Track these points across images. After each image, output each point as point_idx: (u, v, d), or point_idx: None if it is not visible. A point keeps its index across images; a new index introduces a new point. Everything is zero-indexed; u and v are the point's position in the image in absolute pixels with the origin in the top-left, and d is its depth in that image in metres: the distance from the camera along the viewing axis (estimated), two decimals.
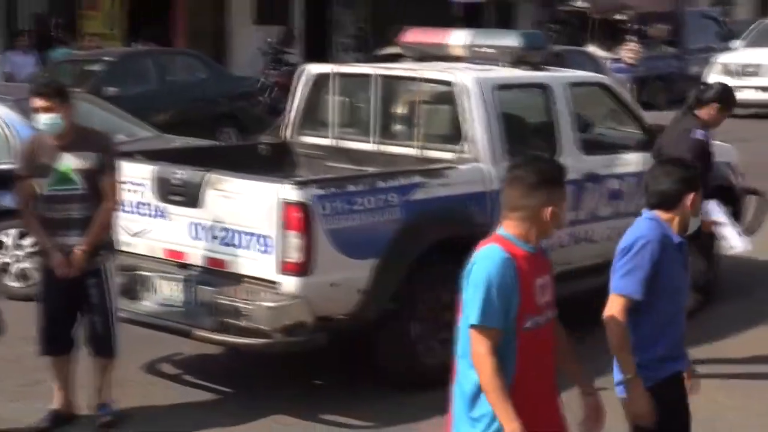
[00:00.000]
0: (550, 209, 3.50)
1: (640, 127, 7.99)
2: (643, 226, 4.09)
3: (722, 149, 8.90)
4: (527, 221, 3.50)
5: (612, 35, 23.00)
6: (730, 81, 20.56)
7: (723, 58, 21.44)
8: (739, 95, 23.73)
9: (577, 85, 7.76)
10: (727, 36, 24.29)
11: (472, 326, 3.42)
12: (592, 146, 7.59)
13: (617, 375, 4.04)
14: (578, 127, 7.53)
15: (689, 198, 4.10)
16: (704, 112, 6.88)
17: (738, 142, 9.86)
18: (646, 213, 4.13)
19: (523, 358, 3.46)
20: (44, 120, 5.75)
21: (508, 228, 3.54)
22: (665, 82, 22.60)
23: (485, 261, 3.45)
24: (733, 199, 8.45)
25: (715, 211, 6.83)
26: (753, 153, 11.59)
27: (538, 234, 3.53)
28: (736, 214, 8.52)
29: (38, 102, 5.75)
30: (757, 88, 20.13)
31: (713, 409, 5.89)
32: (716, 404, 6.03)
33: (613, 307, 3.99)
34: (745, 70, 20.58)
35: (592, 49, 21.95)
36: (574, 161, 7.25)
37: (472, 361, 3.42)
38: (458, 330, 3.56)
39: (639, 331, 4.02)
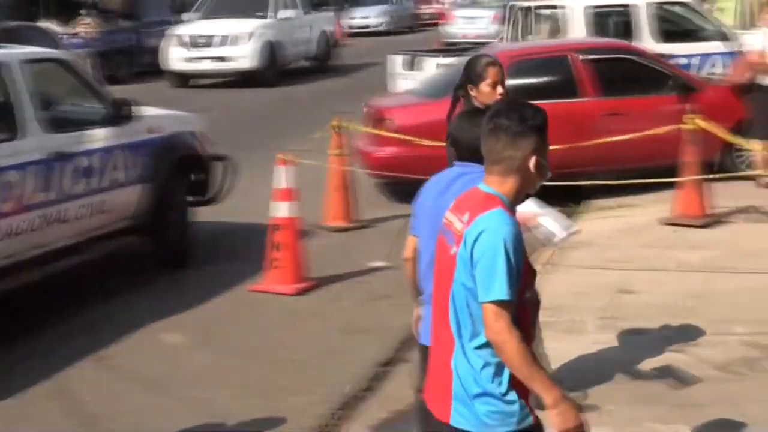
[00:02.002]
0: (534, 159, 3.16)
1: (104, 102, 7.93)
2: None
3: (186, 119, 9.15)
4: (512, 175, 3.17)
5: (67, 10, 22.53)
6: (186, 53, 21.26)
7: (178, 30, 21.92)
8: (197, 66, 24.35)
9: (33, 61, 7.51)
10: (180, 9, 24.87)
11: (493, 302, 3.05)
12: (58, 124, 7.38)
13: None
14: (40, 105, 7.28)
15: None
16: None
17: (201, 111, 10.17)
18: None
19: (523, 331, 3.13)
20: None
21: (492, 184, 3.19)
22: (125, 55, 22.68)
23: (499, 228, 3.08)
24: (202, 168, 8.73)
25: (528, 205, 4.91)
26: (215, 121, 11.99)
27: (524, 188, 3.21)
28: (205, 183, 8.81)
29: None
30: (211, 58, 20.91)
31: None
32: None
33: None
34: (199, 42, 21.22)
35: (47, 24, 21.34)
36: (38, 141, 7.02)
37: (491, 338, 3.07)
38: (455, 308, 3.16)
39: None
